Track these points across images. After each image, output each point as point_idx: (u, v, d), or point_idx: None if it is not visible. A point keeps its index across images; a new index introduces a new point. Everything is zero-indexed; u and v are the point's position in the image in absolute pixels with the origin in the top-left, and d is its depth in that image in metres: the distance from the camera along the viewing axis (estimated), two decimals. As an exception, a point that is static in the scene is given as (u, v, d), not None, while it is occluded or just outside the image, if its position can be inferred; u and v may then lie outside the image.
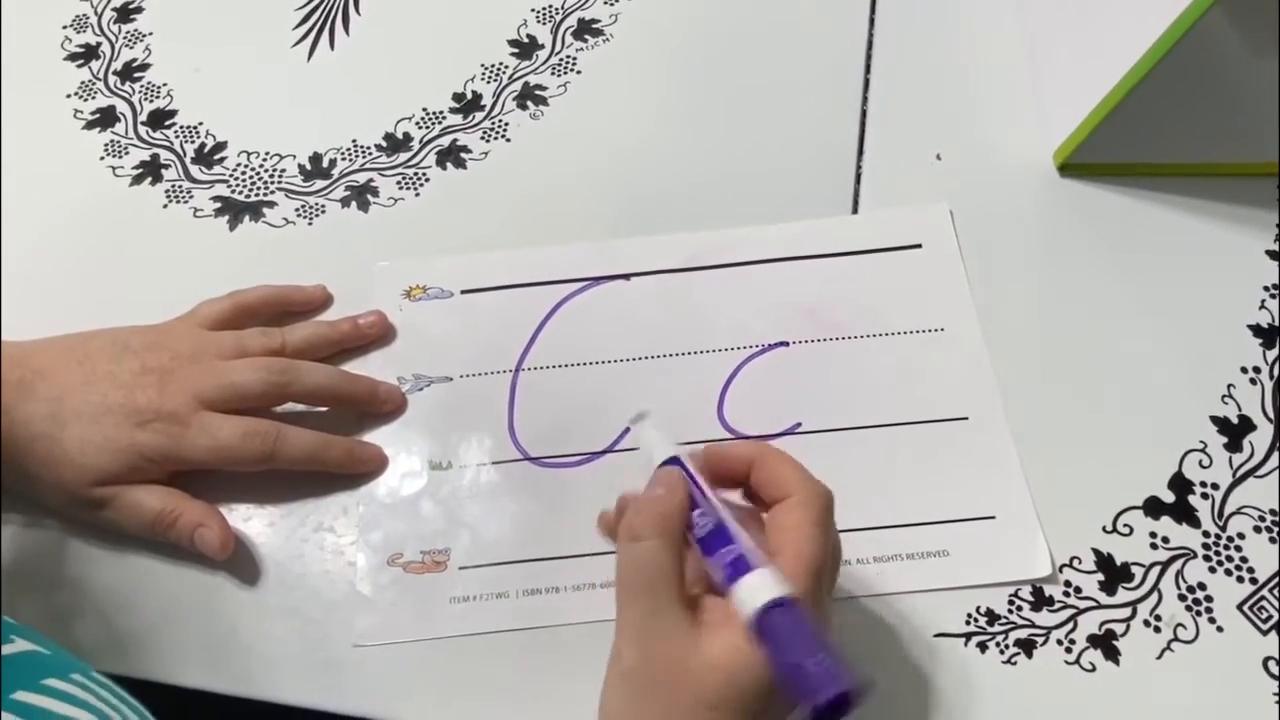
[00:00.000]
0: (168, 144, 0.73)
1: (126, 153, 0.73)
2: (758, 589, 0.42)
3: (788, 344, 0.61)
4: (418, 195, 0.69)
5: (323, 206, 0.69)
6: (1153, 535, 0.55)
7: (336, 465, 0.58)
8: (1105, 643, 0.52)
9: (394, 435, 0.60)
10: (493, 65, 0.74)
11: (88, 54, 0.79)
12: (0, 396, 0.54)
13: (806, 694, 0.40)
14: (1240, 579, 0.54)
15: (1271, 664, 0.51)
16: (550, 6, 0.77)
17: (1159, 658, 0.52)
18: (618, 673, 0.44)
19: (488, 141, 0.71)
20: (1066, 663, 0.52)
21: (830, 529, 0.45)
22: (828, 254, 0.64)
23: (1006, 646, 0.52)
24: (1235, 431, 0.57)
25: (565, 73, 0.73)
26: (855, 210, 0.66)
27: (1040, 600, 0.53)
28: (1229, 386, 0.59)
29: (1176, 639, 0.52)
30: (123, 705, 0.39)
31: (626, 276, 0.64)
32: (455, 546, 0.56)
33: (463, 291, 0.64)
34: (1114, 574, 0.54)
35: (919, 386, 0.59)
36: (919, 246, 0.63)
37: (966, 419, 0.58)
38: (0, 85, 0.76)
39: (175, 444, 0.55)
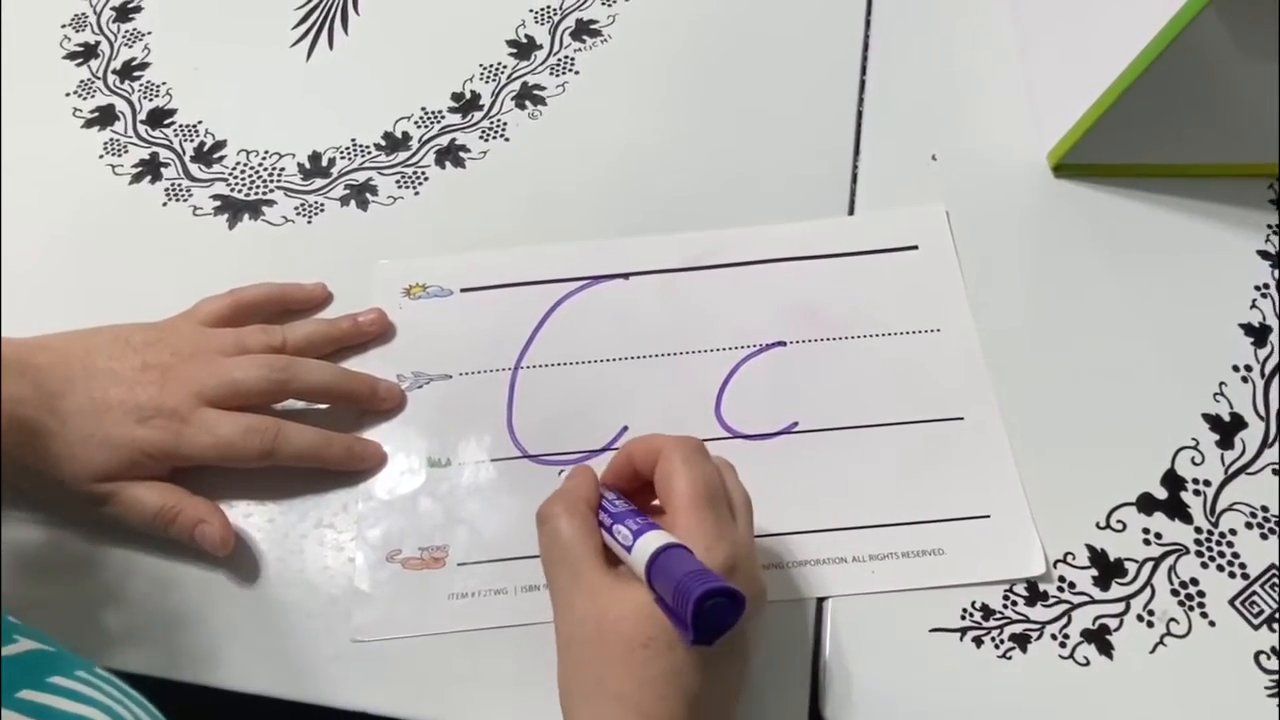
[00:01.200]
0: (167, 143, 0.73)
1: (126, 151, 0.73)
2: (642, 548, 0.44)
3: (785, 344, 0.61)
4: (417, 194, 0.69)
5: (322, 205, 0.69)
6: (1146, 531, 0.55)
7: (336, 462, 0.58)
8: (1099, 637, 0.53)
9: (393, 432, 0.60)
10: (491, 65, 0.74)
11: (87, 53, 0.79)
12: (0, 393, 0.54)
13: (678, 614, 0.41)
14: (1232, 574, 0.54)
15: (1263, 658, 0.52)
16: (548, 7, 0.77)
17: (1152, 652, 0.52)
18: (561, 643, 0.46)
19: (486, 141, 0.71)
20: (1061, 657, 0.52)
21: (699, 464, 0.47)
22: (825, 255, 0.64)
23: (1001, 641, 0.53)
24: (1227, 429, 0.58)
25: (563, 73, 0.74)
26: (851, 211, 0.66)
27: (1035, 595, 0.54)
28: (1221, 384, 0.59)
29: (1169, 634, 0.53)
30: (128, 700, 0.39)
31: (625, 276, 0.64)
32: (454, 543, 0.56)
33: (462, 290, 0.64)
34: (1107, 569, 0.54)
35: (915, 386, 0.59)
36: (915, 248, 0.64)
37: (962, 419, 0.58)
38: (0, 84, 0.77)
39: (176, 440, 0.55)
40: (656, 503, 0.50)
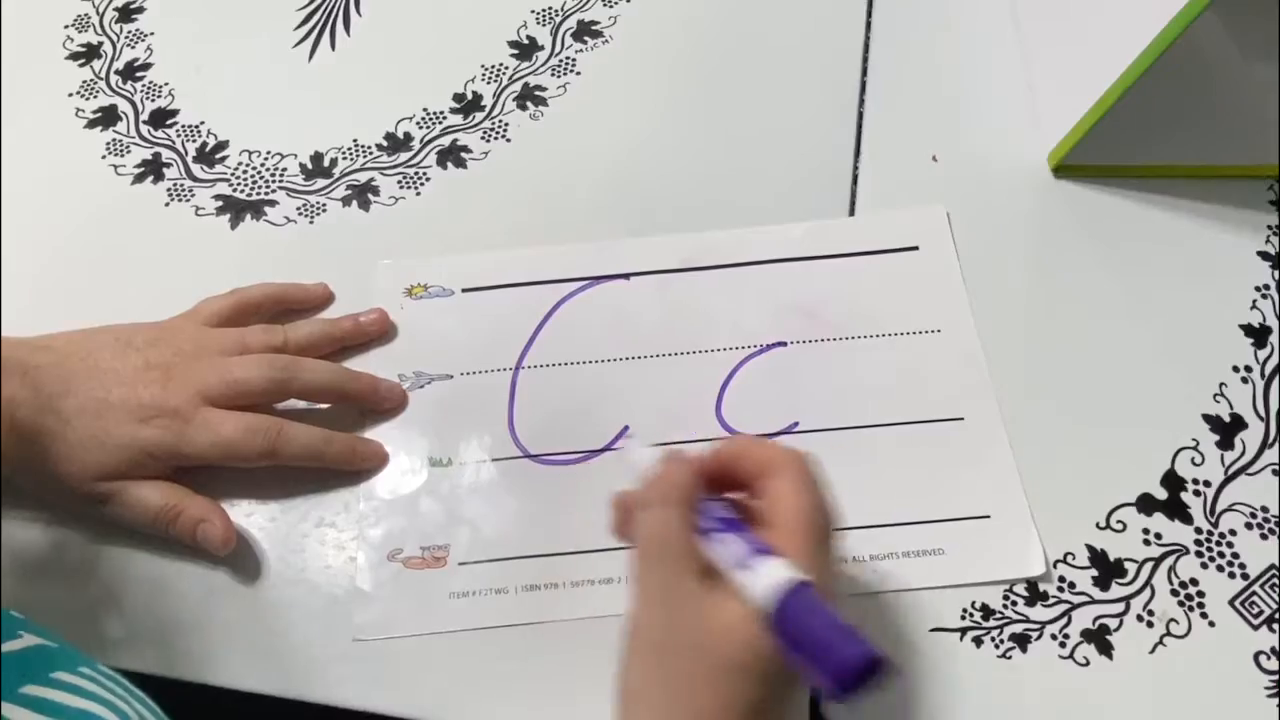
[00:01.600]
0: (169, 143, 0.73)
1: (128, 152, 0.73)
2: (768, 577, 0.42)
3: (785, 344, 0.61)
4: (418, 194, 0.69)
5: (324, 205, 0.69)
6: (1145, 532, 0.55)
7: (338, 461, 0.58)
8: (1099, 637, 0.53)
9: (395, 432, 0.60)
10: (493, 66, 0.75)
11: (89, 53, 0.79)
12: (1, 392, 0.55)
13: (827, 672, 0.39)
14: (1232, 575, 0.54)
15: (1262, 658, 0.52)
16: (550, 8, 0.77)
17: (1152, 652, 0.52)
18: (640, 642, 0.45)
19: (488, 141, 0.71)
20: (1061, 657, 0.52)
21: (812, 488, 0.46)
22: (825, 255, 0.64)
23: (1001, 641, 0.53)
24: (1227, 429, 0.58)
25: (565, 74, 0.74)
26: (852, 211, 0.66)
27: (1035, 595, 0.54)
28: (1221, 385, 0.59)
29: (1169, 634, 0.53)
30: (130, 697, 0.39)
31: (626, 276, 0.64)
32: (455, 542, 0.56)
33: (463, 290, 0.64)
34: (1107, 569, 0.55)
35: (915, 387, 0.59)
36: (915, 248, 0.64)
37: (962, 419, 0.58)
38: (1, 84, 0.77)
39: (178, 440, 0.55)
40: (731, 495, 0.49)
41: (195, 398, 0.56)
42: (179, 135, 0.73)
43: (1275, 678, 0.52)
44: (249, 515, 0.58)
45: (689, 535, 0.45)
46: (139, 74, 0.77)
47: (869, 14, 0.75)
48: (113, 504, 0.55)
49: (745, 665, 0.42)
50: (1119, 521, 0.56)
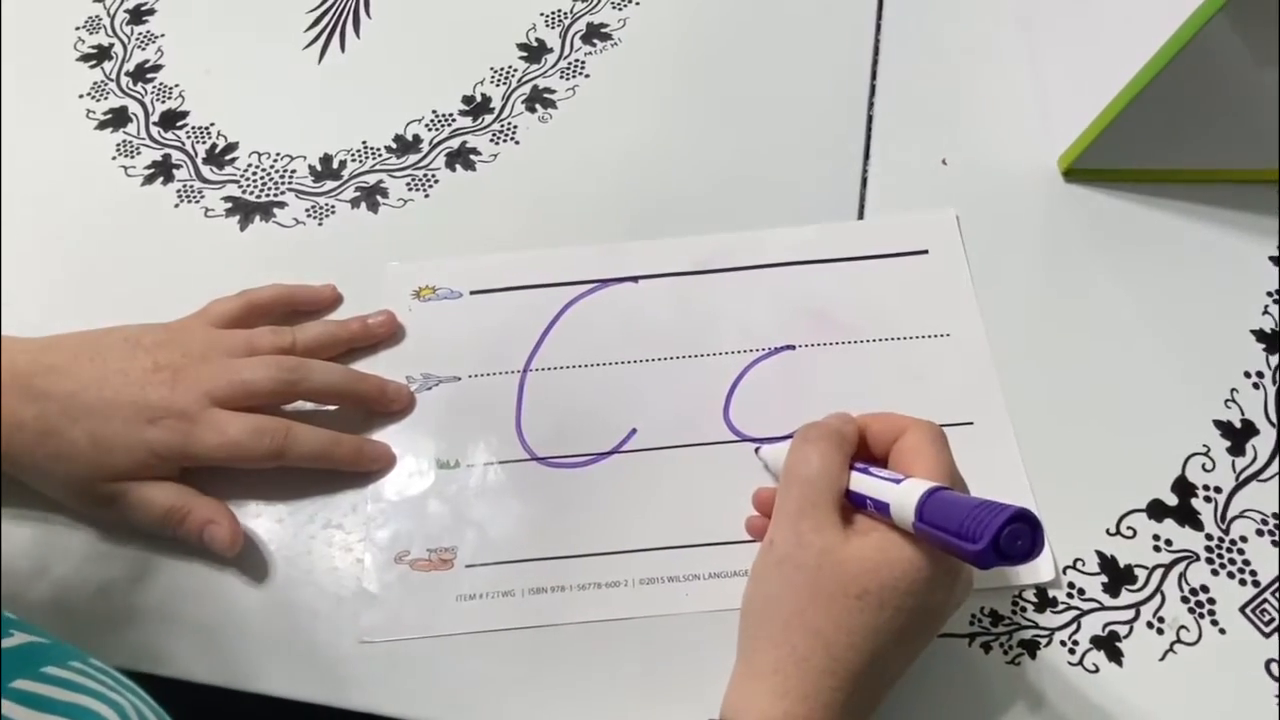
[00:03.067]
0: (179, 144, 0.73)
1: (138, 153, 0.73)
2: (910, 489, 0.44)
3: (794, 347, 0.61)
4: (427, 196, 0.69)
5: (333, 207, 0.69)
6: (1156, 538, 0.55)
7: (345, 463, 0.58)
8: (1108, 644, 0.53)
9: (402, 434, 0.60)
10: (502, 69, 0.75)
11: (100, 55, 0.79)
12: (11, 392, 0.55)
13: (979, 539, 0.40)
14: (1242, 582, 0.54)
15: (1273, 666, 0.52)
16: (559, 11, 0.77)
17: (1161, 659, 0.52)
18: (771, 559, 0.47)
19: (497, 144, 0.71)
20: (1070, 663, 0.52)
21: (945, 447, 0.48)
22: (835, 259, 0.64)
23: (1010, 647, 0.53)
24: (1238, 435, 0.58)
25: (574, 76, 0.74)
26: (861, 215, 0.66)
27: (1044, 601, 0.54)
28: (1232, 391, 0.59)
29: (1179, 641, 0.53)
30: (122, 689, 0.39)
31: (635, 279, 0.64)
32: (462, 545, 0.56)
33: (472, 292, 0.64)
34: (1117, 576, 0.54)
35: (924, 391, 0.59)
36: (925, 252, 0.64)
37: (971, 424, 0.58)
38: (13, 86, 0.77)
39: (185, 441, 0.55)
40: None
41: (203, 399, 0.56)
42: (189, 137, 0.74)
43: (1285, 686, 0.51)
44: (256, 516, 0.58)
45: (839, 476, 0.47)
46: (149, 76, 0.77)
47: (879, 17, 0.75)
48: (120, 505, 0.55)
49: (863, 590, 0.44)
50: (1129, 528, 0.56)
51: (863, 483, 0.47)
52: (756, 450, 0.58)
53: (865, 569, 0.44)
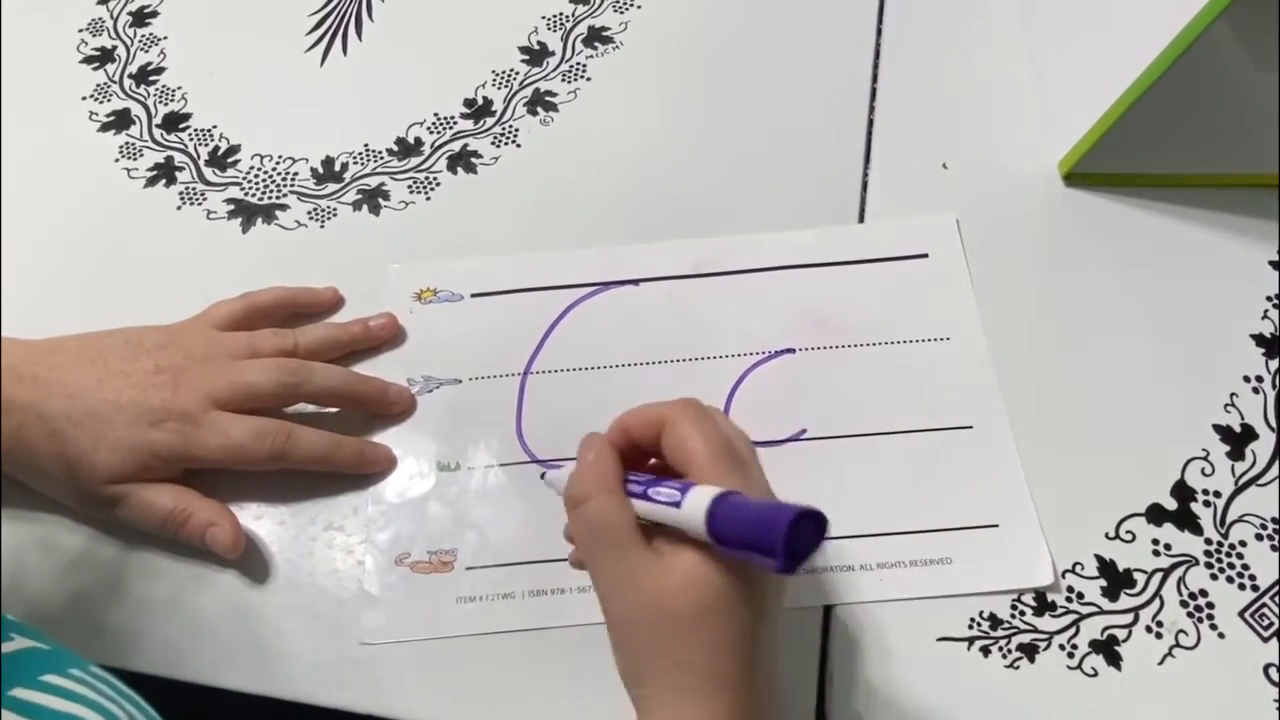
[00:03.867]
0: (182, 147, 0.73)
1: (141, 155, 0.73)
2: (695, 502, 0.42)
3: (794, 351, 0.61)
4: (428, 199, 0.69)
5: (334, 209, 0.69)
6: (1155, 542, 0.55)
7: (346, 465, 0.58)
8: (1107, 648, 0.53)
9: (403, 436, 0.60)
10: (504, 71, 0.75)
11: (103, 57, 0.79)
12: (12, 394, 0.55)
13: (765, 543, 0.40)
14: (1242, 586, 0.54)
15: (1272, 670, 0.52)
16: (561, 14, 0.77)
17: (1160, 664, 0.52)
18: (613, 632, 0.45)
19: (498, 147, 0.71)
20: (1069, 668, 0.52)
21: (708, 421, 0.46)
22: (835, 262, 0.64)
23: (1009, 651, 0.53)
24: (1237, 440, 0.58)
25: (575, 79, 0.74)
26: (861, 219, 0.66)
27: (1043, 605, 0.54)
28: (1232, 395, 0.59)
29: (1178, 645, 0.53)
30: (121, 699, 0.39)
31: (635, 282, 0.64)
32: (462, 547, 0.56)
33: (473, 295, 0.64)
34: (1116, 580, 0.54)
35: (924, 395, 0.59)
36: (925, 256, 0.64)
37: (971, 428, 0.58)
38: (14, 87, 0.77)
39: (187, 443, 0.56)
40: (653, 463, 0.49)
41: (205, 401, 0.56)
42: (191, 139, 0.74)
43: (1284, 690, 0.51)
44: (258, 518, 0.58)
45: (626, 514, 0.45)
46: (152, 78, 0.78)
47: (880, 20, 0.75)
48: (122, 507, 0.55)
49: (707, 608, 0.43)
50: (1128, 532, 0.56)
51: (648, 511, 0.45)
52: (542, 476, 0.56)
53: (699, 586, 0.43)
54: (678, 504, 0.43)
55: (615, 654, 0.46)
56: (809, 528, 0.40)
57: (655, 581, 0.43)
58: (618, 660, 0.45)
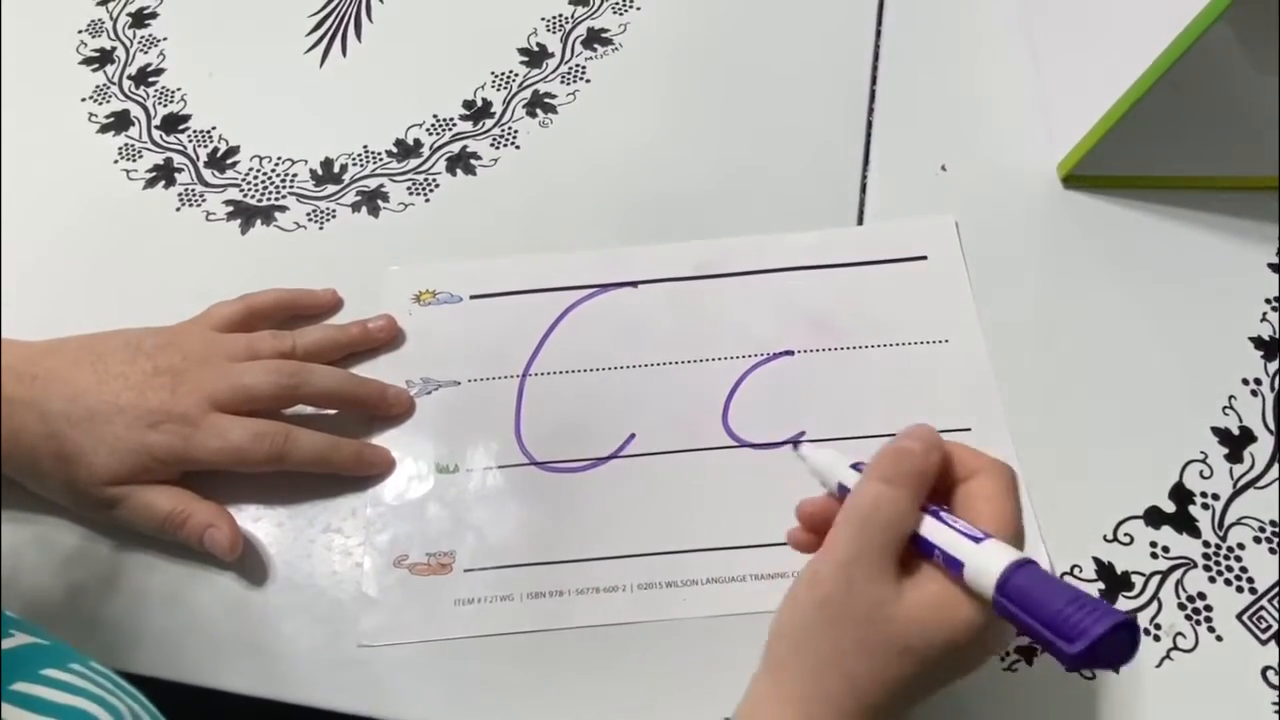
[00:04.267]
0: (181, 148, 0.73)
1: (140, 156, 0.73)
2: (997, 550, 0.41)
3: (793, 353, 0.61)
4: (428, 201, 0.69)
5: (334, 211, 0.69)
6: (1153, 545, 0.55)
7: (345, 467, 0.58)
8: (1105, 651, 0.53)
9: (402, 438, 0.60)
10: (503, 73, 0.75)
11: (102, 58, 0.79)
12: (11, 395, 0.55)
13: (1074, 627, 0.38)
14: (1240, 589, 0.54)
15: (1270, 673, 0.52)
16: (560, 16, 0.77)
17: (1158, 666, 0.52)
18: (813, 595, 0.44)
19: (497, 149, 0.71)
20: (1067, 670, 0.52)
21: (1018, 499, 0.45)
22: (834, 264, 0.64)
23: (1007, 653, 0.53)
24: (1236, 443, 0.58)
25: (574, 81, 0.74)
26: (860, 220, 0.66)
27: (1040, 608, 0.54)
28: (1230, 398, 0.59)
29: (1176, 648, 0.53)
30: (121, 693, 0.39)
31: (634, 284, 0.64)
32: (461, 549, 0.56)
33: (472, 297, 0.64)
34: (1114, 582, 0.54)
35: (923, 397, 0.59)
36: (924, 258, 0.64)
37: (969, 430, 0.58)
38: (13, 89, 0.77)
39: (186, 445, 0.56)
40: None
41: (203, 403, 0.56)
42: (191, 140, 0.74)
43: (1282, 693, 0.51)
44: (256, 520, 0.58)
45: (912, 520, 0.44)
46: (151, 79, 0.78)
47: (879, 23, 0.75)
48: (120, 508, 0.55)
49: (906, 647, 0.42)
50: (1126, 534, 0.56)
51: (936, 532, 0.43)
52: (795, 447, 0.51)
53: (915, 627, 0.42)
54: (978, 540, 0.42)
55: (791, 612, 0.45)
56: (1125, 639, 0.39)
57: (887, 594, 0.43)
58: (787, 620, 0.45)
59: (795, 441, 0.52)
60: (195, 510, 0.56)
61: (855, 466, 0.47)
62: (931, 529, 0.43)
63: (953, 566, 0.42)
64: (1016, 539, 0.43)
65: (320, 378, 0.59)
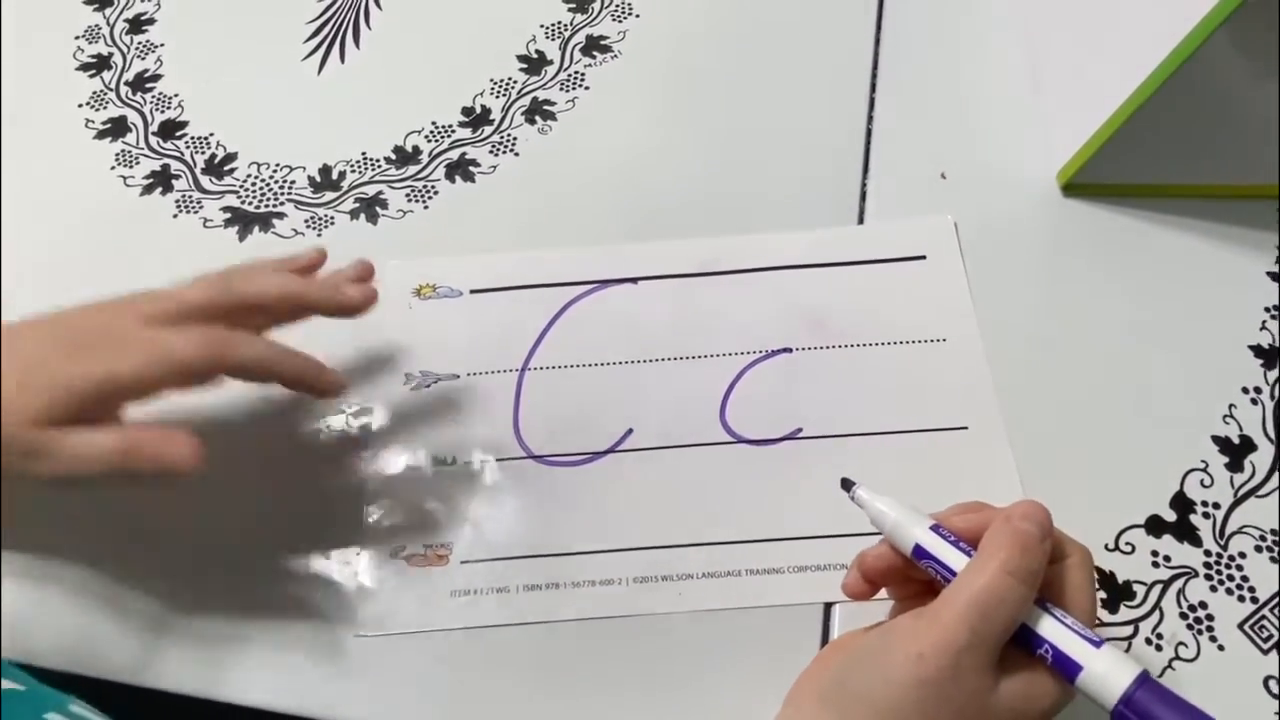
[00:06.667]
0: (178, 154, 0.73)
1: (137, 163, 0.73)
2: (1115, 668, 0.42)
3: (791, 350, 0.61)
4: (426, 208, 0.69)
5: (332, 218, 0.69)
6: (1154, 554, 0.55)
7: (294, 376, 0.53)
8: (1107, 658, 0.52)
9: (400, 430, 0.60)
10: (502, 80, 0.75)
11: (100, 64, 0.79)
12: None
13: None
14: (1241, 598, 0.54)
15: (1272, 683, 0.51)
16: (559, 23, 0.78)
17: (1160, 676, 0.52)
18: (915, 675, 0.42)
19: (496, 155, 0.71)
20: (1068, 676, 0.52)
21: (1094, 585, 0.46)
22: (833, 263, 0.64)
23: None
24: (1236, 451, 0.58)
25: (573, 88, 0.74)
26: (860, 223, 0.67)
27: (1041, 614, 0.53)
28: (1230, 407, 0.59)
29: (1177, 657, 0.52)
30: None
31: (634, 280, 0.64)
32: (458, 541, 0.56)
33: (472, 291, 0.64)
34: (1116, 592, 0.54)
35: (919, 395, 0.59)
36: (923, 258, 0.64)
37: (966, 429, 0.58)
38: (11, 94, 0.77)
39: (114, 366, 0.49)
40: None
41: (135, 325, 0.51)
42: (188, 147, 0.74)
43: (1285, 701, 0.51)
44: (250, 509, 0.58)
45: (1023, 611, 0.43)
46: (149, 85, 0.78)
47: (878, 28, 0.76)
48: (54, 458, 0.48)
49: None
50: (1127, 543, 0.55)
51: (1054, 632, 0.43)
52: (850, 490, 0.49)
53: (1008, 715, 0.42)
54: (1097, 644, 0.42)
55: (887, 678, 0.43)
56: None
57: (987, 687, 0.42)
58: (869, 683, 0.43)
59: (848, 482, 0.49)
60: (143, 434, 0.49)
61: (936, 529, 0.46)
62: (1050, 629, 0.43)
63: (1064, 666, 0.42)
64: (1093, 622, 0.45)
65: (252, 346, 0.52)
